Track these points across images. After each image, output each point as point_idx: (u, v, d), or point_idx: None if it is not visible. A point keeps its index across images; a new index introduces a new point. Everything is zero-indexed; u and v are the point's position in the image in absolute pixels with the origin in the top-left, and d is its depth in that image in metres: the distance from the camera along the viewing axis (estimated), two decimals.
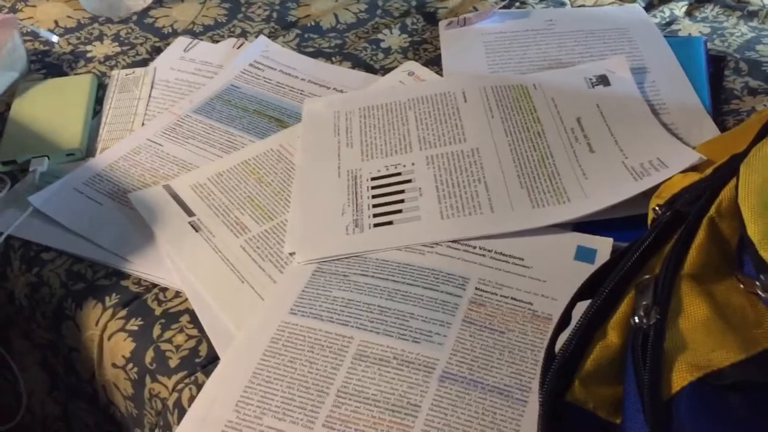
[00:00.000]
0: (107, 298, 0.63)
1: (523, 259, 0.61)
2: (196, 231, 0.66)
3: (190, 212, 0.68)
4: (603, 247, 0.61)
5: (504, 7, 0.91)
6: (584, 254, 0.60)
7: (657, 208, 0.54)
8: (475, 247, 0.62)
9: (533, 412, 0.50)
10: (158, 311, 0.61)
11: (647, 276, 0.47)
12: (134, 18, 0.95)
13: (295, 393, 0.53)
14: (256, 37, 0.90)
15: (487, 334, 0.55)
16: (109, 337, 0.61)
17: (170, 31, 0.93)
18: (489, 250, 0.61)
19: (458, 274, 0.60)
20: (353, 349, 0.55)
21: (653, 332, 0.43)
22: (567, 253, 0.61)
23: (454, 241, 0.62)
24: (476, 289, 0.59)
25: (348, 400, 0.52)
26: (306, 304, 0.58)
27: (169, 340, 0.59)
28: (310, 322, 0.57)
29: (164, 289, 0.63)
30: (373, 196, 0.67)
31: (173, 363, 0.58)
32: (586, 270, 0.52)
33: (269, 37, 0.91)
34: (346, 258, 0.62)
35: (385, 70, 0.85)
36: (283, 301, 0.59)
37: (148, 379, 0.58)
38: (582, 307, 0.48)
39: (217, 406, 0.53)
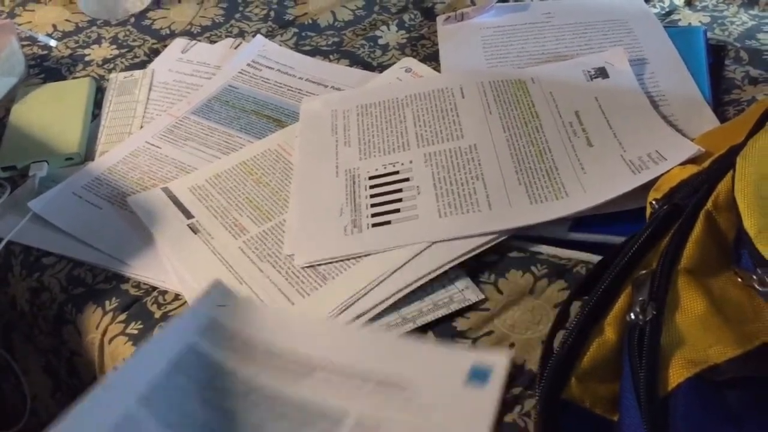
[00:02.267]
0: (107, 302, 0.63)
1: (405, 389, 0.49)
2: (195, 233, 0.66)
3: (188, 214, 0.68)
4: (499, 365, 0.49)
5: (501, 1, 0.91)
6: (477, 375, 0.49)
7: (654, 201, 0.53)
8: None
9: None
10: (158, 314, 0.61)
11: (644, 271, 0.47)
12: (132, 20, 0.95)
13: None
14: (254, 36, 0.90)
15: None
16: (110, 341, 0.61)
17: (168, 32, 0.93)
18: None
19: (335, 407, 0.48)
20: None
21: (649, 328, 0.42)
22: (457, 376, 0.49)
23: (452, 239, 0.62)
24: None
25: None
26: None
27: None
28: None
29: (164, 292, 0.63)
30: (371, 196, 0.67)
31: None
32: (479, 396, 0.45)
33: (267, 36, 0.91)
34: None
35: (382, 68, 0.84)
36: None
37: None
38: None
39: None
